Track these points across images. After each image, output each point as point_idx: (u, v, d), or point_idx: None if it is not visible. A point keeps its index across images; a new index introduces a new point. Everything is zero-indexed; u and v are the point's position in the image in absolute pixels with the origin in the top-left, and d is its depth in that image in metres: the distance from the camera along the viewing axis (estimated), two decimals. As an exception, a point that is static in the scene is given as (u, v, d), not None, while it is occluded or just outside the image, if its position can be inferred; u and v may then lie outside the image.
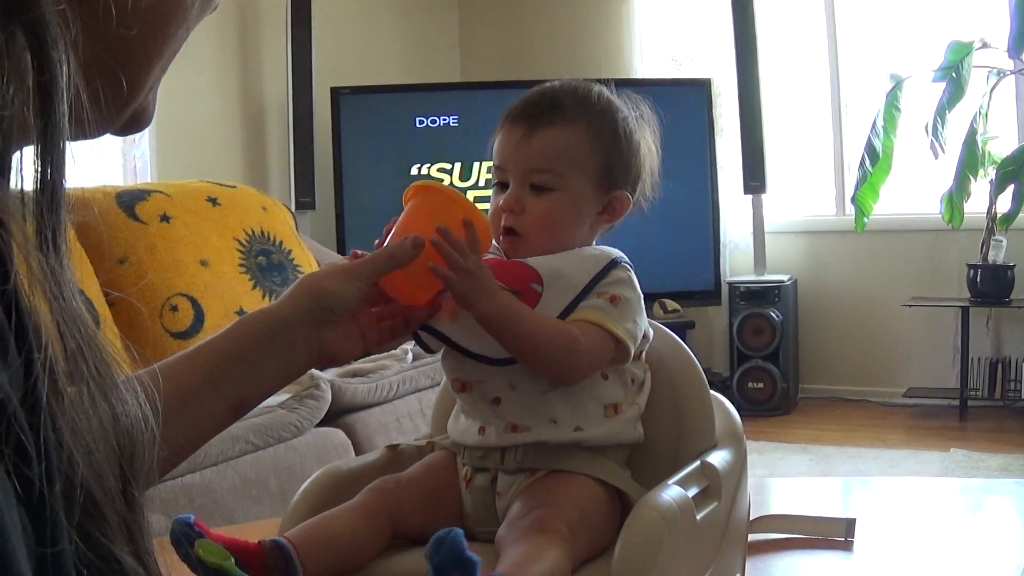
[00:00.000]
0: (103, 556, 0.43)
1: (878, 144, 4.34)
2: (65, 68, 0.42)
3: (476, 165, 4.61)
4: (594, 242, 1.05)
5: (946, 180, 4.29)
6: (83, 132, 0.45)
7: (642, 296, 1.00)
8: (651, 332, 1.03)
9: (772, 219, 4.83)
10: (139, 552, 0.45)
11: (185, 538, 0.85)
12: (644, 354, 1.03)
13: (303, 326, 0.92)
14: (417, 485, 0.99)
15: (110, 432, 0.45)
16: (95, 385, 0.44)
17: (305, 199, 4.43)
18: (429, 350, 1.03)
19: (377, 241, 0.97)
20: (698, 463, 0.98)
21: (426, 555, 0.74)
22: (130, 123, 0.53)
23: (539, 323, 0.95)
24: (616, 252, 1.02)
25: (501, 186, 1.03)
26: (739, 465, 1.03)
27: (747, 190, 4.71)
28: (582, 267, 0.99)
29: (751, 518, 1.10)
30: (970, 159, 4.22)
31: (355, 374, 2.69)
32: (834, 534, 1.27)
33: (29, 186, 0.42)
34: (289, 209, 3.40)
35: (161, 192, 2.87)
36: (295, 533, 0.92)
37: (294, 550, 0.89)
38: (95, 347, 0.44)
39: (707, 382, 1.06)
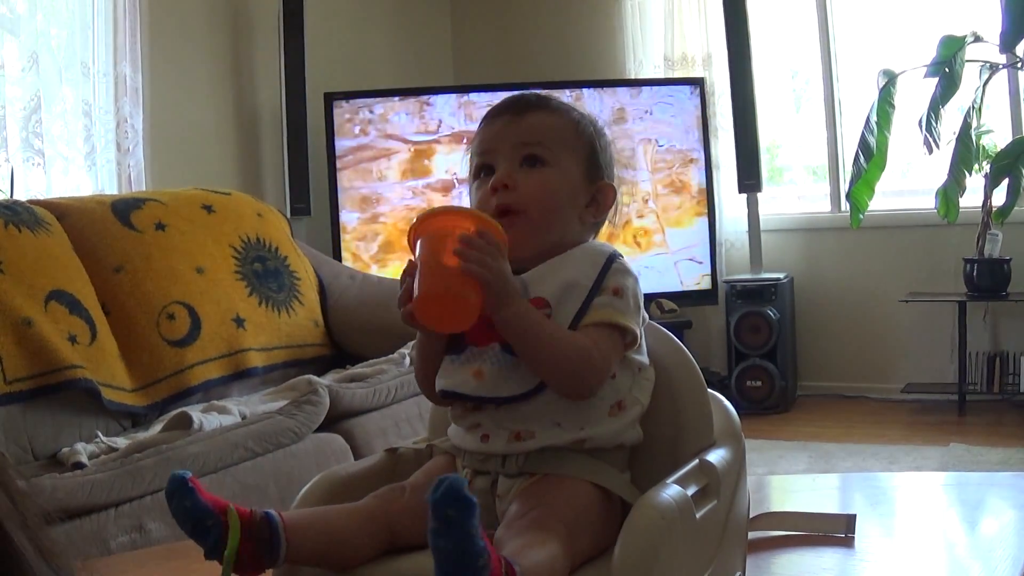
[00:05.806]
0: None
1: (872, 140, 4.34)
2: None
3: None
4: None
5: (941, 175, 4.29)
6: None
7: (638, 278, 1.02)
8: (646, 315, 1.04)
9: (768, 217, 4.83)
10: None
11: (178, 493, 0.86)
12: (644, 342, 1.04)
13: None
14: (420, 493, 0.99)
15: None
16: None
17: (300, 205, 4.42)
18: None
19: (402, 289, 0.96)
20: (697, 462, 0.98)
21: (427, 497, 0.75)
22: None
23: (558, 332, 0.96)
24: (609, 247, 1.04)
25: (486, 171, 1.04)
26: (738, 463, 1.03)
27: (742, 188, 4.71)
28: (583, 272, 1.00)
29: (751, 516, 1.10)
30: (964, 153, 4.22)
31: (353, 379, 2.69)
32: (835, 530, 1.27)
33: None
34: (284, 215, 3.40)
35: (156, 200, 2.87)
36: (292, 515, 0.93)
37: (283, 527, 0.90)
38: None
39: (705, 381, 1.07)
